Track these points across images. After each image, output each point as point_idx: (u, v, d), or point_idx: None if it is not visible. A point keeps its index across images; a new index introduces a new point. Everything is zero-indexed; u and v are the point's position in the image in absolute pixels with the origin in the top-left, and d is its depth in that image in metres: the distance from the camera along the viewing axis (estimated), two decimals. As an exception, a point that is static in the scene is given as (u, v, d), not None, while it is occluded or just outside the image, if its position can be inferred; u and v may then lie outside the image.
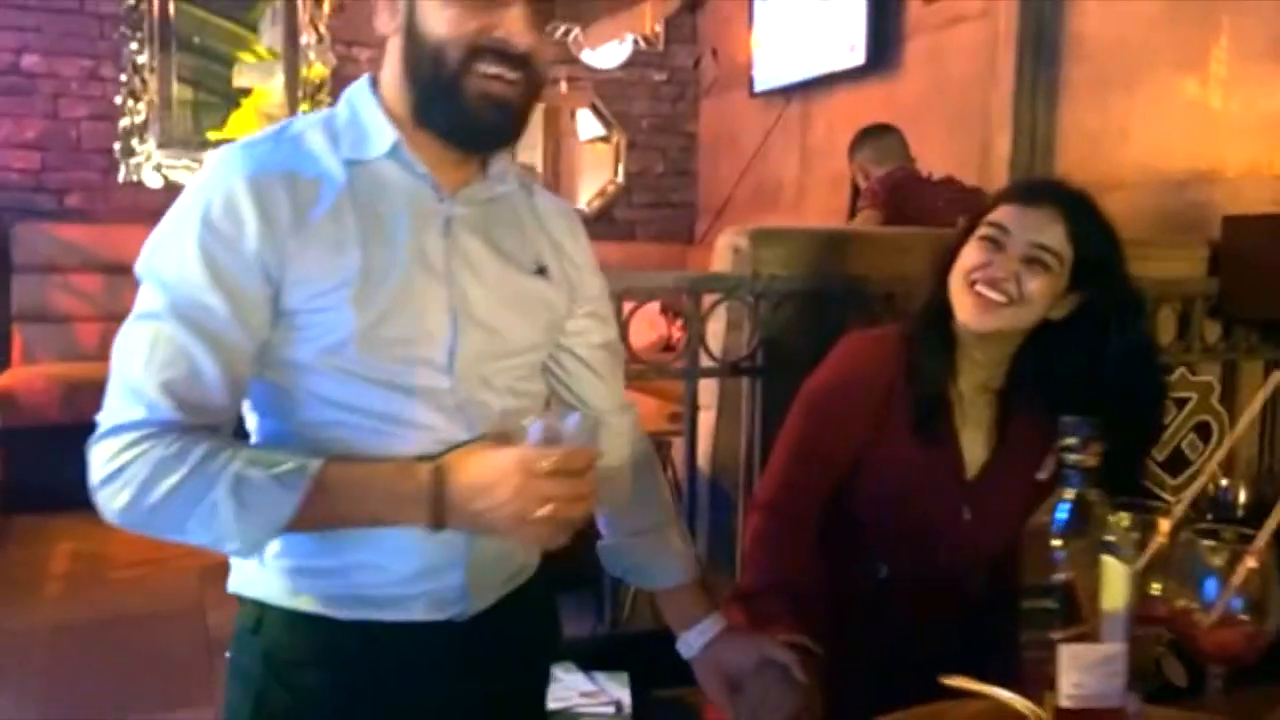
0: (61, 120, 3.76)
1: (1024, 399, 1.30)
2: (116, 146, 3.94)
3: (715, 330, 1.93)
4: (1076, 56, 3.01)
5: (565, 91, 4.63)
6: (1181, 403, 1.87)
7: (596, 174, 4.82)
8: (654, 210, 4.86)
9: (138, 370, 0.91)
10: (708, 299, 1.85)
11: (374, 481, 0.93)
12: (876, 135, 3.11)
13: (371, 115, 1.00)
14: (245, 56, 4.17)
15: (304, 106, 4.18)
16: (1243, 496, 1.76)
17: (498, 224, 1.05)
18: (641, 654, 1.78)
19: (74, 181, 3.88)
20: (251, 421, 1.03)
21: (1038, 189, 1.32)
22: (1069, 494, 0.85)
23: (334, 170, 0.97)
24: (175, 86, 4.07)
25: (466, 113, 0.96)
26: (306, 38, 4.16)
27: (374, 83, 1.02)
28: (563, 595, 1.80)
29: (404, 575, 0.98)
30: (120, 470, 0.88)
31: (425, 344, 0.98)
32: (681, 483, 2.01)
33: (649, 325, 4.08)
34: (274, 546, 0.99)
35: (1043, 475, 0.88)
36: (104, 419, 0.91)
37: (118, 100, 3.86)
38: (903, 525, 1.28)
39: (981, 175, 3.14)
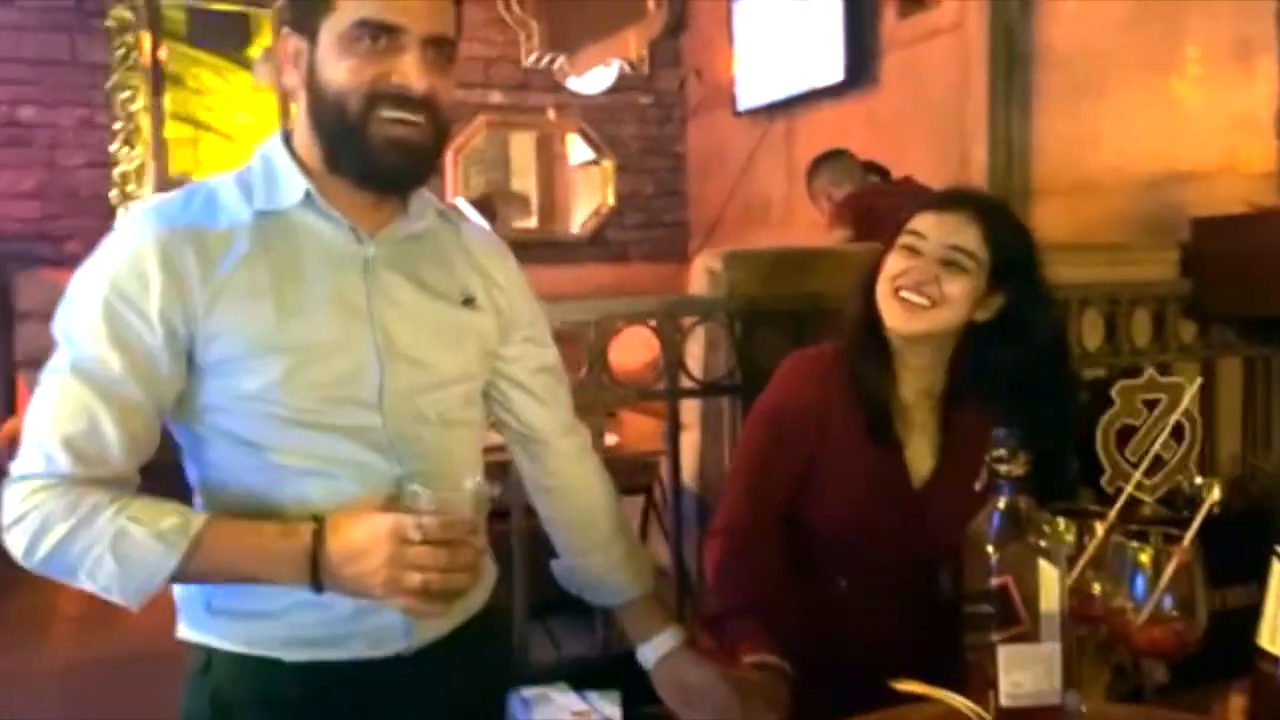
0: (59, 169, 3.84)
1: (965, 403, 1.35)
2: (113, 193, 4.01)
3: (695, 351, 1.97)
4: (1047, 65, 3.06)
5: (554, 118, 4.70)
6: (1152, 404, 1.90)
7: (588, 197, 4.88)
8: (646, 231, 4.91)
9: (42, 423, 0.93)
10: (686, 321, 1.90)
11: (254, 541, 0.94)
12: (832, 160, 3.18)
13: (284, 166, 1.02)
14: (240, 93, 4.24)
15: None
16: (1217, 493, 1.79)
17: (421, 260, 1.07)
18: (634, 671, 1.82)
19: (74, 229, 3.95)
20: (190, 470, 1.05)
21: (952, 196, 1.38)
22: (1001, 502, 0.90)
23: (244, 222, 0.99)
24: (170, 127, 4.14)
25: (374, 158, 0.98)
26: (296, 77, 4.24)
27: (287, 137, 1.05)
28: (556, 617, 1.84)
29: (343, 614, 0.99)
30: (19, 519, 0.91)
31: (352, 383, 1.00)
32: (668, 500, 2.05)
33: (645, 345, 4.13)
34: (215, 592, 1.01)
35: (978, 486, 0.92)
36: (13, 467, 0.94)
37: (112, 148, 3.94)
38: (856, 537, 1.32)
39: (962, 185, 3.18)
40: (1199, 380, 1.52)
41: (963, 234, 1.29)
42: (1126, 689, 1.04)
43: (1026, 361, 1.32)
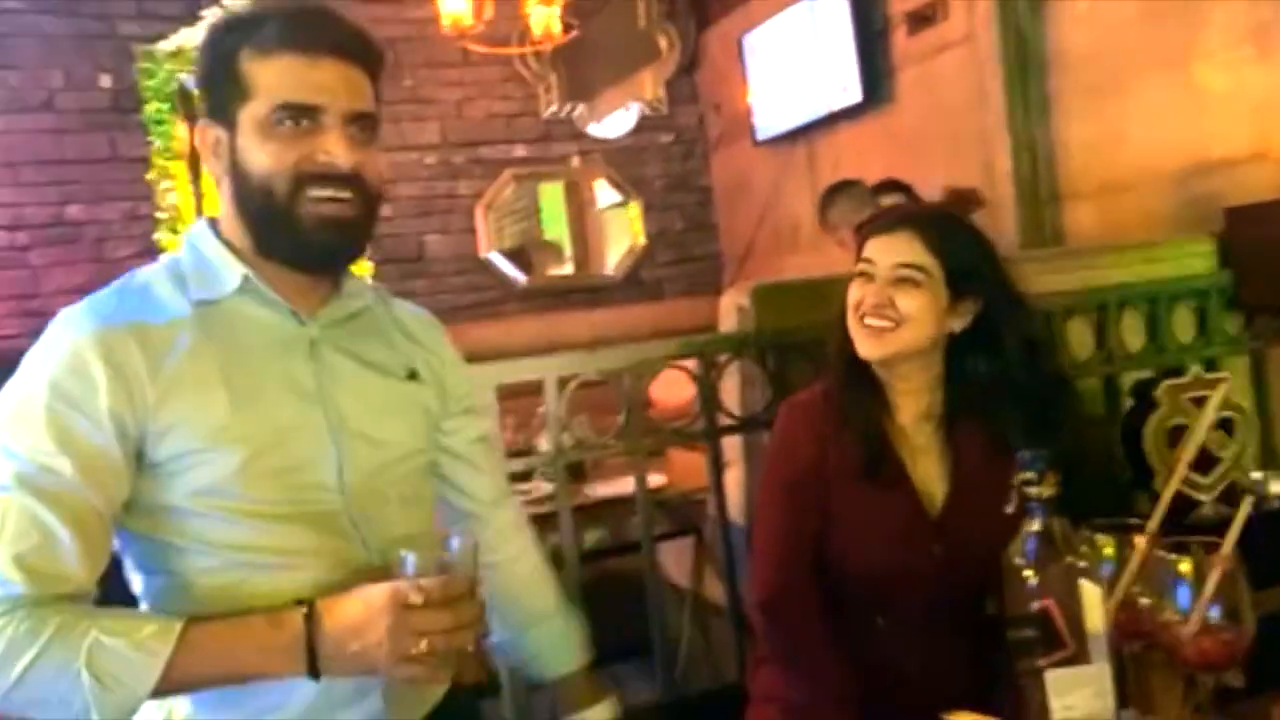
0: (107, 262, 3.96)
1: (967, 421, 1.34)
2: (162, 278, 4.14)
3: (730, 388, 1.98)
4: (1063, 67, 3.05)
5: (578, 165, 4.77)
6: (1200, 402, 1.87)
7: (620, 239, 4.93)
8: (679, 266, 4.95)
9: None
10: (720, 359, 1.91)
11: (243, 636, 0.90)
12: (844, 190, 3.14)
13: (217, 254, 1.01)
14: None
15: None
16: (1275, 487, 1.75)
17: (362, 337, 1.07)
18: (697, 716, 1.82)
19: (126, 316, 4.08)
20: (137, 583, 1.00)
21: (894, 217, 1.39)
22: (1035, 525, 0.89)
23: (184, 314, 0.97)
24: (208, 206, 4.28)
25: (306, 237, 0.98)
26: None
27: (212, 223, 1.04)
28: (617, 664, 1.85)
29: (316, 707, 0.96)
30: None
31: (312, 469, 0.98)
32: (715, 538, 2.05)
33: (688, 380, 4.13)
34: (180, 708, 0.95)
35: (1009, 509, 0.92)
36: None
37: (156, 235, 4.07)
38: (885, 575, 1.30)
39: (988, 194, 3.16)
40: (1225, 377, 1.48)
41: (907, 251, 1.31)
42: (1202, 697, 1.02)
43: (1002, 366, 1.31)
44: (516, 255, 4.71)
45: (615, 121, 4.79)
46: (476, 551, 0.94)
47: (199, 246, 1.03)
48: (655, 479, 2.43)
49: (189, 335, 0.96)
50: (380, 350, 1.09)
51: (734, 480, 2.08)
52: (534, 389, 1.76)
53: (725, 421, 1.91)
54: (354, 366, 1.05)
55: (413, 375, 1.10)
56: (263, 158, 0.97)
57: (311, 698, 0.96)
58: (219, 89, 0.99)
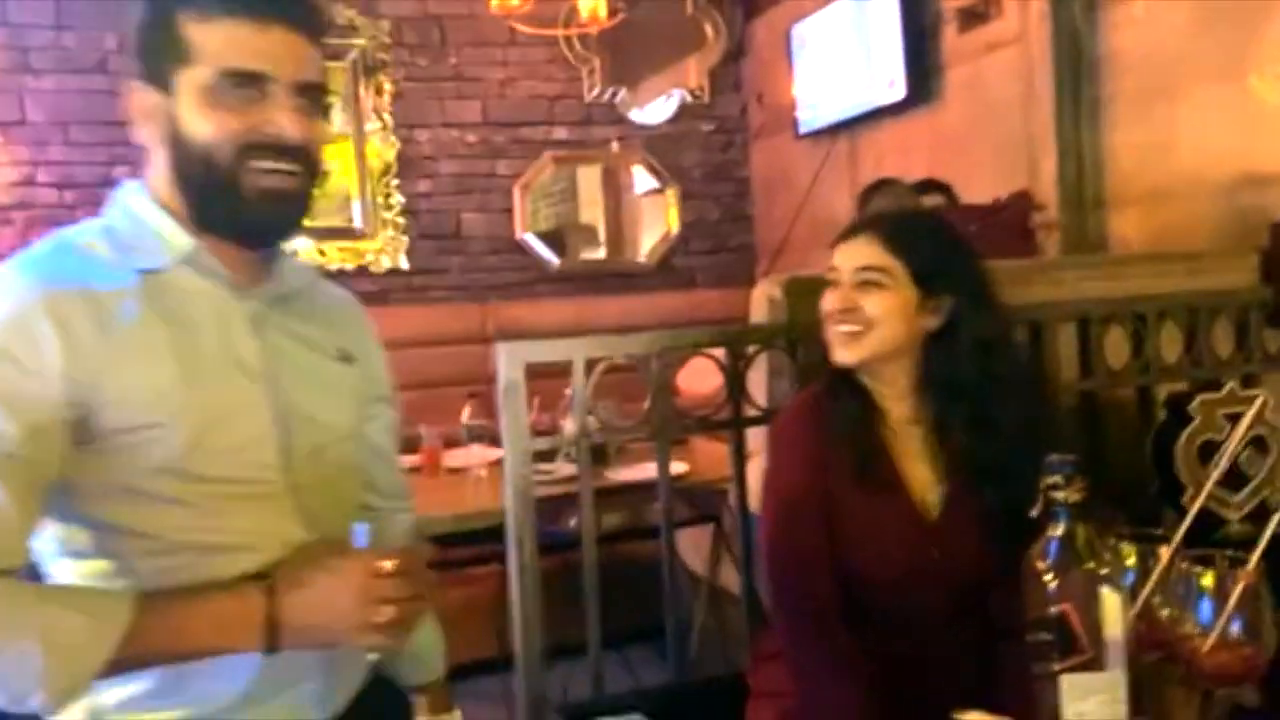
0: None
1: (955, 422, 1.33)
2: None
3: (757, 379, 1.98)
4: (1115, 72, 3.00)
5: (617, 150, 4.77)
6: (1234, 418, 1.83)
7: (654, 226, 4.92)
8: (712, 256, 4.93)
9: None
10: (749, 349, 1.91)
11: (199, 610, 0.87)
12: (883, 189, 3.10)
13: (160, 223, 0.97)
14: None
15: (372, 186, 4.40)
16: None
17: (299, 316, 1.05)
18: (708, 701, 1.82)
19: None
20: (63, 570, 0.95)
21: (853, 224, 1.41)
22: (1058, 529, 0.89)
23: (131, 283, 0.93)
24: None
25: (248, 210, 0.94)
26: (370, 124, 4.39)
27: (145, 190, 0.99)
28: (631, 647, 1.87)
29: (252, 695, 0.95)
30: None
31: (256, 448, 0.96)
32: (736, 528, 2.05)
33: (714, 372, 4.13)
34: (112, 696, 0.92)
35: (1033, 513, 0.91)
36: None
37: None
38: (883, 577, 1.30)
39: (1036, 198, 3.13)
40: (1261, 395, 1.46)
41: (867, 254, 1.32)
42: (1217, 713, 1.01)
43: (968, 362, 1.30)
44: (551, 237, 4.72)
45: (657, 108, 4.78)
46: (414, 526, 0.96)
47: (138, 213, 0.98)
48: (678, 466, 2.43)
49: (136, 304, 0.92)
50: (317, 330, 1.06)
51: (756, 471, 2.08)
52: (561, 371, 1.77)
53: (751, 412, 1.91)
54: (295, 346, 1.03)
55: (345, 357, 1.08)
56: (205, 126, 0.93)
57: (247, 686, 0.94)
58: (156, 52, 0.95)
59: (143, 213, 0.98)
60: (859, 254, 1.33)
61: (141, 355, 0.91)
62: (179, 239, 0.96)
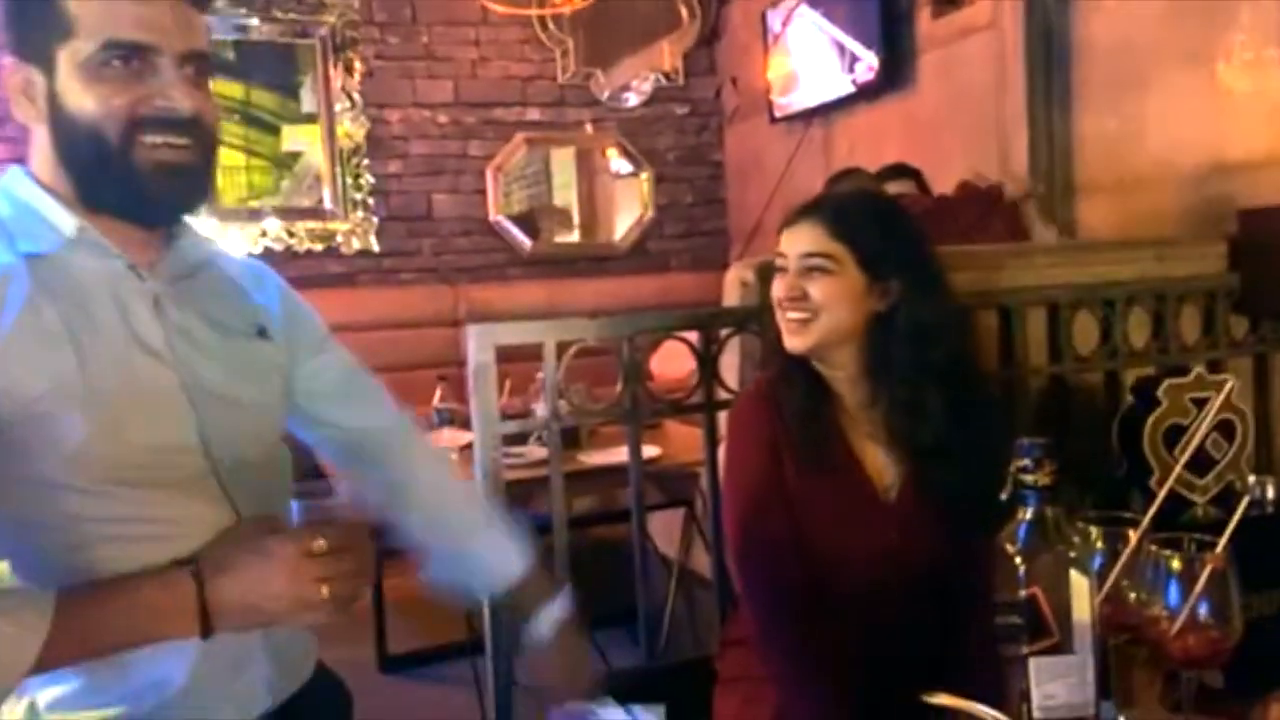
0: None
1: (891, 403, 1.33)
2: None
3: (730, 362, 1.97)
4: (1087, 59, 3.01)
5: (591, 132, 4.74)
6: (1201, 403, 1.85)
7: (629, 209, 4.91)
8: (686, 240, 4.93)
9: None
10: (720, 333, 1.90)
11: (129, 601, 0.83)
12: (849, 177, 3.12)
13: (44, 205, 0.92)
14: (290, 123, 4.34)
15: (342, 167, 4.34)
16: (1270, 492, 1.74)
17: (204, 295, 1.00)
18: (679, 684, 1.82)
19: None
20: None
21: (796, 210, 1.39)
22: (1027, 513, 0.89)
23: (14, 267, 0.88)
24: (223, 155, 4.24)
25: (143, 188, 0.90)
26: (340, 104, 4.33)
27: (28, 173, 0.95)
28: (601, 630, 1.86)
29: (197, 683, 0.92)
30: None
31: (173, 432, 0.92)
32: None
33: (687, 356, 4.14)
34: (45, 696, 0.89)
35: (1003, 496, 0.91)
36: None
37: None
38: (842, 559, 1.31)
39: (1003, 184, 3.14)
40: (1229, 379, 1.47)
41: (811, 240, 1.31)
42: (1181, 696, 1.02)
43: (902, 346, 1.30)
44: (524, 220, 4.69)
45: (631, 90, 4.76)
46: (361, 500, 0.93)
47: (19, 196, 0.93)
48: (650, 450, 2.43)
49: (23, 291, 0.87)
50: (225, 308, 1.03)
51: (729, 455, 2.08)
52: (533, 353, 1.75)
53: (723, 395, 1.90)
54: (203, 325, 0.99)
55: (261, 332, 1.05)
56: (89, 102, 0.89)
57: (187, 679, 0.92)
58: (31, 25, 0.91)
59: (26, 196, 0.93)
60: (804, 240, 1.32)
61: (35, 341, 0.87)
62: (64, 221, 0.92)
